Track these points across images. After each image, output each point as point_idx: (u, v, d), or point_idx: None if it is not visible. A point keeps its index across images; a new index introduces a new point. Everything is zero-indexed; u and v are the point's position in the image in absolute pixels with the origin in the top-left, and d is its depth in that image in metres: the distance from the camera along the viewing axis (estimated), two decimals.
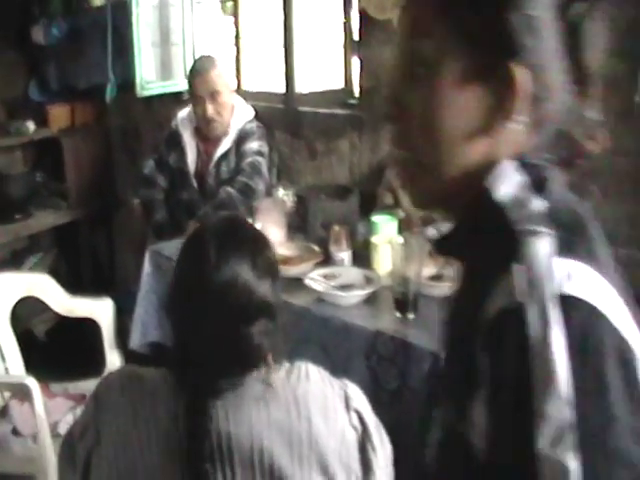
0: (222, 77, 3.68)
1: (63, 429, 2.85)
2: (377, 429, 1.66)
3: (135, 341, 3.33)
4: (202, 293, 1.47)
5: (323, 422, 1.51)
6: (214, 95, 3.62)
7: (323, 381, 1.58)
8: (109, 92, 4.50)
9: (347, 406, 1.58)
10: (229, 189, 3.50)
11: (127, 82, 4.40)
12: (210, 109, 3.61)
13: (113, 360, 3.12)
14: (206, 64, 3.71)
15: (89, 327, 3.16)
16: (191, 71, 3.75)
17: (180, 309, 1.54)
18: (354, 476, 1.57)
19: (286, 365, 1.58)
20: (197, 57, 3.95)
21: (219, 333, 1.46)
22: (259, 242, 1.62)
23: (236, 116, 3.74)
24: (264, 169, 3.64)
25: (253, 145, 3.66)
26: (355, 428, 1.59)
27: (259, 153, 3.65)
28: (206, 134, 3.72)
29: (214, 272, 1.47)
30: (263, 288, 1.51)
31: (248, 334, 1.48)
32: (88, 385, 3.02)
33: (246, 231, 1.66)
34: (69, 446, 1.61)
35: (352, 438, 1.58)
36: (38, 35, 4.73)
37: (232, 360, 1.48)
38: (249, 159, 3.61)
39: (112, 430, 1.50)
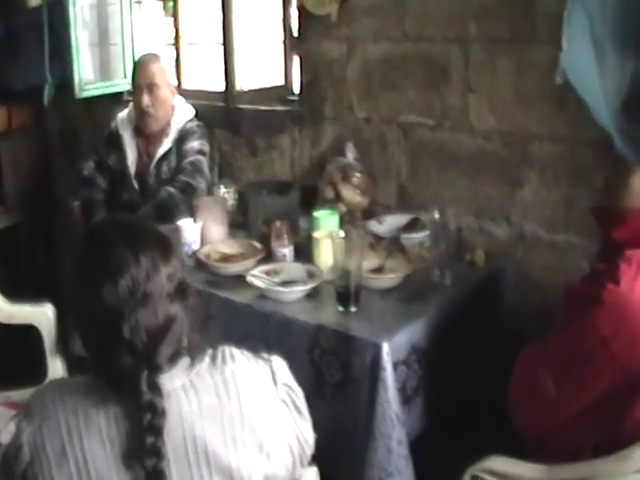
0: (162, 72, 3.69)
1: (5, 438, 2.74)
2: (303, 400, 1.70)
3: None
4: (113, 297, 1.43)
5: (253, 399, 1.52)
6: (151, 87, 3.62)
7: (248, 360, 1.59)
8: (47, 94, 4.43)
9: (274, 380, 1.61)
10: (170, 188, 3.48)
11: (65, 83, 4.34)
12: (146, 99, 3.60)
13: (55, 366, 3.06)
14: (148, 57, 3.74)
15: (30, 333, 3.09)
16: (134, 64, 3.76)
17: (87, 319, 1.49)
18: (288, 448, 1.60)
19: (209, 351, 1.57)
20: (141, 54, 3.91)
21: (132, 336, 1.42)
22: (155, 230, 1.59)
23: (176, 115, 3.72)
24: (205, 168, 3.63)
25: (194, 144, 3.65)
26: (284, 401, 1.62)
27: (200, 152, 3.64)
28: (143, 130, 3.69)
29: (121, 273, 1.43)
30: (172, 274, 1.49)
31: (164, 329, 1.46)
32: (30, 393, 2.95)
33: (141, 226, 1.60)
34: (7, 469, 1.56)
35: (282, 411, 1.61)
36: None
37: (154, 358, 1.45)
38: (190, 158, 3.59)
39: (46, 447, 1.46)
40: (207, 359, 1.54)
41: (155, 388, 1.42)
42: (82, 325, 1.51)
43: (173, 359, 1.49)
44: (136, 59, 3.82)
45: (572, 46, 2.51)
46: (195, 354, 1.54)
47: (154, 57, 3.74)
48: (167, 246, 1.54)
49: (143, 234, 1.54)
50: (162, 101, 3.65)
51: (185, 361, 1.52)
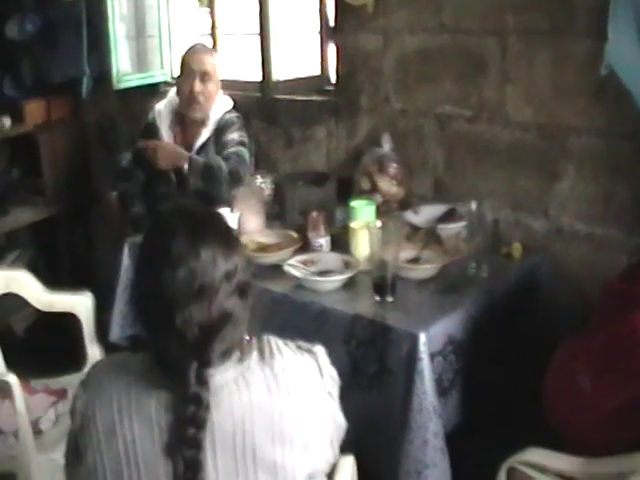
0: (215, 66, 3.70)
1: (45, 425, 2.82)
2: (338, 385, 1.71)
3: (115, 334, 3.32)
4: (170, 285, 1.44)
5: (302, 395, 1.52)
6: (205, 75, 3.63)
7: (294, 353, 1.59)
8: (85, 86, 4.47)
9: (321, 374, 1.61)
10: (223, 164, 3.48)
11: (102, 75, 4.38)
12: (198, 85, 3.61)
13: (94, 354, 3.08)
14: (205, 47, 3.79)
15: (69, 322, 3.13)
16: (188, 50, 3.74)
17: (150, 311, 1.51)
18: (329, 442, 1.60)
19: (256, 343, 1.57)
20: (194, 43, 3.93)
21: (184, 327, 1.43)
22: (221, 225, 1.59)
23: (215, 107, 3.72)
24: (247, 159, 3.62)
25: (234, 135, 3.64)
26: (330, 394, 1.62)
27: (241, 143, 3.63)
28: (187, 115, 3.69)
29: (180, 263, 1.44)
30: (232, 272, 1.48)
31: (218, 325, 1.46)
32: (69, 380, 3.00)
33: (209, 218, 1.60)
34: (69, 434, 1.60)
35: (328, 403, 1.61)
36: (12, 30, 4.68)
37: (205, 352, 1.45)
38: (232, 149, 3.58)
39: (97, 420, 1.49)
40: (255, 352, 1.54)
41: (203, 381, 1.43)
42: (140, 305, 1.53)
43: (225, 355, 1.49)
44: (191, 46, 3.80)
45: (618, 37, 2.49)
46: (245, 348, 1.54)
47: (210, 49, 3.79)
48: (230, 242, 1.53)
49: (208, 227, 1.53)
50: (210, 93, 3.65)
51: (236, 355, 1.52)
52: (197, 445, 1.41)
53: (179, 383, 1.43)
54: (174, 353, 1.44)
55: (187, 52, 3.73)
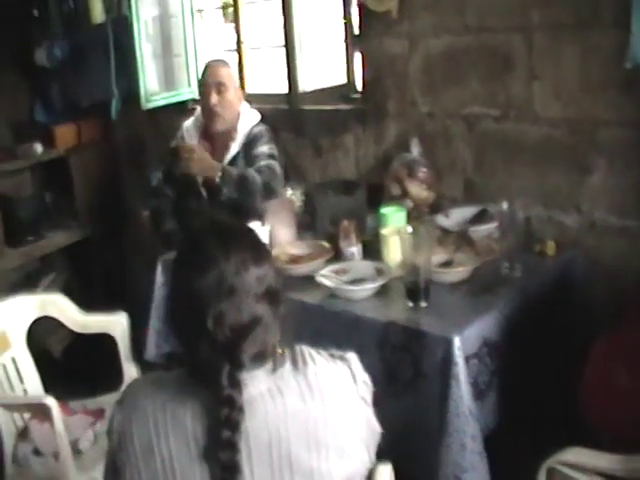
0: (231, 76, 3.74)
1: (84, 445, 2.84)
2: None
3: (151, 352, 3.32)
4: (201, 287, 1.46)
5: (336, 402, 1.52)
6: (220, 87, 3.65)
7: (327, 361, 1.59)
8: (114, 107, 4.50)
9: (354, 380, 1.60)
10: (257, 176, 3.48)
11: (131, 96, 4.41)
12: (214, 98, 3.63)
13: (130, 373, 3.10)
14: (218, 61, 3.82)
15: (105, 342, 3.15)
16: (204, 68, 3.79)
17: (182, 315, 1.53)
18: (364, 445, 1.58)
19: (288, 353, 1.58)
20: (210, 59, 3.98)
21: (215, 328, 1.45)
22: (252, 235, 1.62)
23: (242, 120, 3.73)
24: (279, 172, 3.62)
25: (264, 149, 3.64)
26: (364, 399, 1.61)
27: (271, 156, 3.63)
28: (210, 129, 3.70)
29: (210, 266, 1.47)
30: (262, 276, 1.50)
31: (248, 328, 1.47)
32: (106, 400, 3.02)
33: (239, 228, 1.65)
34: (107, 453, 1.62)
35: (362, 409, 1.60)
36: (41, 57, 4.76)
37: (236, 355, 1.46)
38: (263, 162, 3.58)
39: (133, 438, 1.50)
40: (288, 362, 1.54)
41: (236, 383, 1.43)
42: (173, 313, 1.57)
43: (257, 359, 1.50)
44: (205, 63, 3.86)
45: None
46: (278, 357, 1.55)
47: (223, 62, 3.81)
48: (261, 251, 1.57)
49: (238, 235, 1.58)
50: (229, 103, 3.67)
51: (269, 365, 1.52)
52: (232, 447, 1.41)
53: (212, 389, 1.43)
54: (206, 356, 1.45)
55: (203, 69, 3.79)
